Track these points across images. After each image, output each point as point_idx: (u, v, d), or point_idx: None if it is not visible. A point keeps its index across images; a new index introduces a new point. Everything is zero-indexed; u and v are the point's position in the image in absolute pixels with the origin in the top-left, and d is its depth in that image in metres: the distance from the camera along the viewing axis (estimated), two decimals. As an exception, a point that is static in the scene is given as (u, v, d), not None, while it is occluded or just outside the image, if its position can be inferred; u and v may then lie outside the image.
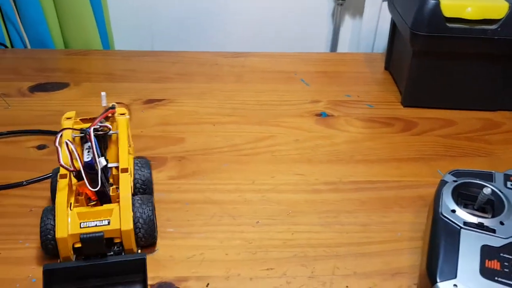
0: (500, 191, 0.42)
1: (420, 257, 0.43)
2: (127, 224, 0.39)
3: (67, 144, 0.38)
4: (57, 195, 0.39)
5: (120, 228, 0.39)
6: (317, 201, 0.51)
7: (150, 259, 0.43)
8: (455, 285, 0.35)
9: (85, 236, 0.38)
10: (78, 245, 0.38)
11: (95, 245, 0.38)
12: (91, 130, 0.40)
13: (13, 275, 0.41)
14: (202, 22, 0.94)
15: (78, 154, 0.38)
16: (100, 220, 0.39)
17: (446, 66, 0.65)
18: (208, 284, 0.41)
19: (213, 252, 0.44)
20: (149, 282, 0.40)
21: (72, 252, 0.39)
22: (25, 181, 0.52)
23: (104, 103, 0.46)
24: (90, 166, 0.39)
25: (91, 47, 0.88)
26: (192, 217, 0.48)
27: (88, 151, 0.41)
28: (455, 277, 0.35)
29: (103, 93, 0.46)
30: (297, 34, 0.97)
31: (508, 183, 0.43)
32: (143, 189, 0.46)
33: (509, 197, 0.41)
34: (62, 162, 0.38)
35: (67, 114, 0.45)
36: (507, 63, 0.64)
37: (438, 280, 0.35)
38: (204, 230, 0.46)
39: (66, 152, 0.38)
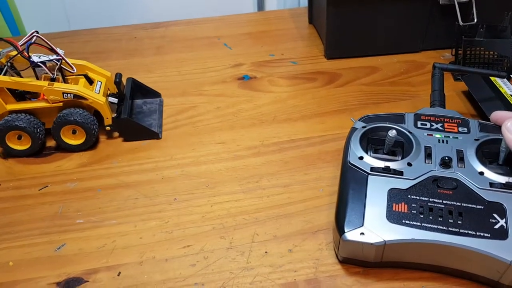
0: (409, 131, 0.40)
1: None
2: None
3: None
4: None
5: None
6: (238, 168, 0.49)
7: (55, 256, 0.40)
8: (362, 233, 0.34)
9: None
10: None
11: None
12: None
13: None
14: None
15: None
16: None
17: (364, 12, 0.63)
18: (119, 272, 0.38)
19: (126, 237, 0.41)
20: (56, 280, 0.38)
21: None
22: None
23: None
24: None
25: (-1, 35, 0.82)
26: (104, 203, 0.45)
27: None
28: (362, 225, 0.34)
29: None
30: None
31: (419, 123, 0.41)
32: None
33: (418, 136, 0.40)
34: None
35: None
36: (426, 1, 0.62)
37: (345, 230, 0.34)
38: (117, 215, 0.44)
39: None
